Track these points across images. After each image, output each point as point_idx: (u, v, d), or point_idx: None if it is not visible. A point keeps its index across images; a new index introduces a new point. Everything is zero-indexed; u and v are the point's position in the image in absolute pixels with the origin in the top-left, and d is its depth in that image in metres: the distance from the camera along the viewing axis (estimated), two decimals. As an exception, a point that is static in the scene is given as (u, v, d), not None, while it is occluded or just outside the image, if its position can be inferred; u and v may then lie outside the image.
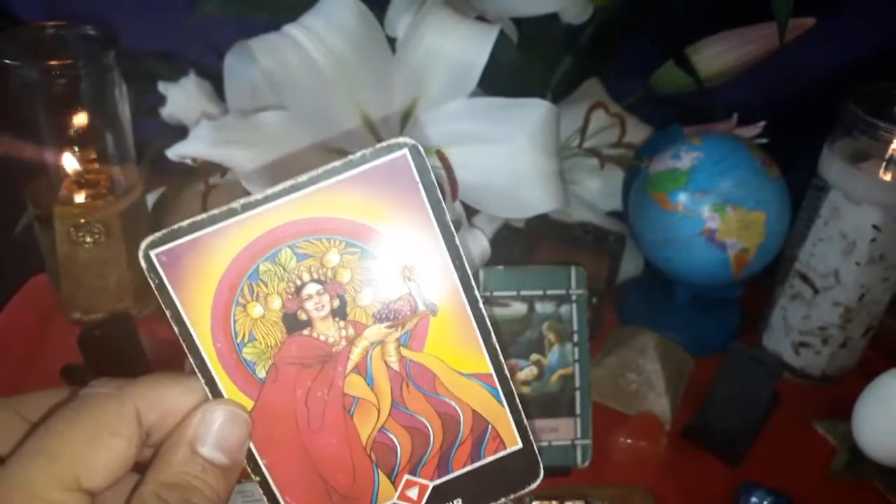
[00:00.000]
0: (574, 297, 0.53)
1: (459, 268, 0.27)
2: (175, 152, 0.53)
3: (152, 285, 0.26)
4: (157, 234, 0.25)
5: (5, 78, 0.54)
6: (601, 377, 0.59)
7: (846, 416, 0.55)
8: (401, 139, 0.26)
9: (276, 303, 0.27)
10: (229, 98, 0.59)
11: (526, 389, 0.52)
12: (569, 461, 0.53)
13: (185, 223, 0.25)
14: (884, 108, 0.55)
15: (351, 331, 0.27)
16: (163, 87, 0.61)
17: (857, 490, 0.54)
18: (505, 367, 0.28)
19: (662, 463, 0.55)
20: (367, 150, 0.26)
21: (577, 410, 0.53)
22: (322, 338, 0.27)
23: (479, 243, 0.59)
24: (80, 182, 0.59)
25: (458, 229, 0.56)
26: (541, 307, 0.52)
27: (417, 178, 0.26)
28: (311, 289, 0.27)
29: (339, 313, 0.27)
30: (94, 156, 0.59)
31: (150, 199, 0.65)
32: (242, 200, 0.25)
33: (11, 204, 0.63)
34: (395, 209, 0.26)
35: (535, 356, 0.52)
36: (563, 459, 0.52)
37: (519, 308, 0.52)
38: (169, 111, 0.61)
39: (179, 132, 0.56)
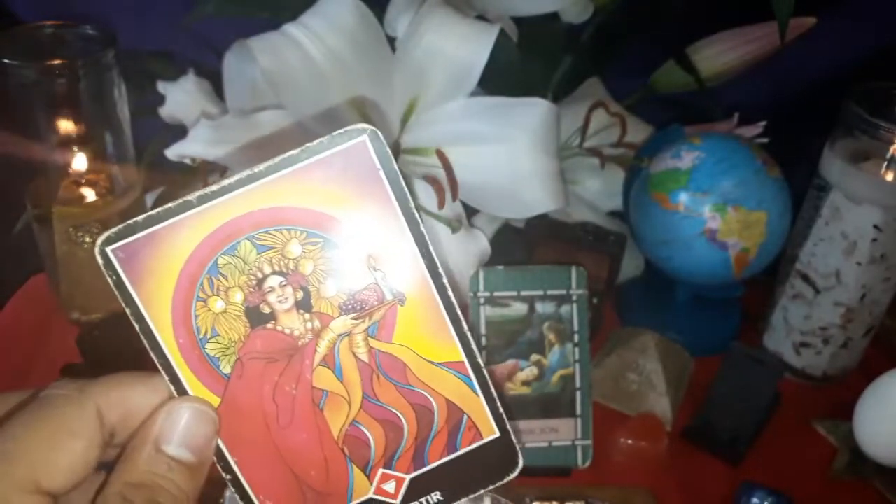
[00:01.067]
0: (574, 298, 0.52)
1: (426, 255, 0.26)
2: (174, 152, 0.53)
3: (110, 282, 0.25)
4: (113, 230, 0.25)
5: (4, 78, 0.54)
6: (602, 377, 0.59)
7: (847, 416, 0.55)
8: (359, 125, 0.25)
9: (237, 296, 0.26)
10: (229, 98, 0.59)
11: (526, 390, 0.52)
12: (569, 462, 0.52)
13: (140, 217, 0.25)
14: (885, 107, 0.55)
15: (317, 323, 0.27)
16: (162, 86, 0.61)
17: (858, 490, 0.54)
18: (478, 354, 0.27)
19: (663, 463, 0.55)
20: (324, 137, 0.25)
21: (578, 411, 0.52)
22: (287, 331, 0.27)
23: (479, 243, 0.59)
24: (79, 182, 0.59)
25: (457, 229, 0.56)
26: (541, 307, 0.52)
27: (378, 165, 0.25)
28: (273, 281, 0.26)
29: (304, 305, 0.26)
30: (93, 155, 0.59)
31: (150, 198, 0.64)
32: (198, 192, 0.25)
33: (10, 204, 0.63)
34: (357, 197, 0.25)
35: (535, 356, 0.52)
36: (564, 460, 0.52)
37: (519, 308, 0.52)
38: (168, 111, 0.61)
39: (179, 132, 0.56)
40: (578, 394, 0.52)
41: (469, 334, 0.27)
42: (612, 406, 0.59)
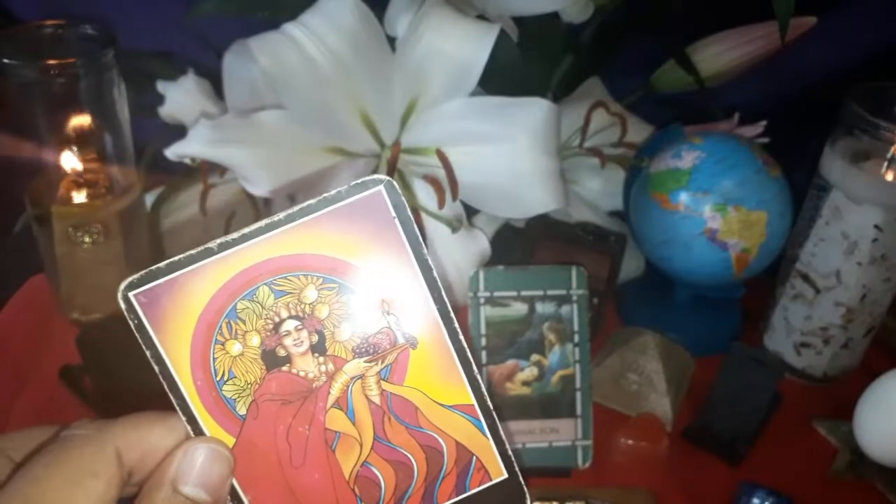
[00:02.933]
0: (575, 298, 0.52)
1: (438, 300, 0.27)
2: (174, 152, 0.53)
3: (132, 325, 0.26)
4: (136, 276, 0.26)
5: (4, 77, 0.54)
6: (602, 378, 0.59)
7: (847, 416, 0.55)
8: (376, 176, 0.26)
9: (254, 340, 0.27)
10: (228, 97, 0.59)
11: (526, 390, 0.52)
12: (570, 462, 0.52)
13: (162, 264, 0.26)
14: (885, 107, 0.55)
15: (330, 366, 0.27)
16: (162, 86, 0.61)
17: (859, 491, 0.54)
18: (487, 398, 0.28)
19: (663, 463, 0.54)
20: (342, 187, 0.26)
21: (578, 411, 0.52)
22: (302, 373, 0.27)
23: (479, 243, 0.59)
24: (78, 182, 0.59)
25: (457, 229, 0.56)
26: (541, 307, 0.52)
27: (393, 214, 0.26)
28: (290, 325, 0.27)
29: (319, 349, 0.27)
30: (92, 155, 0.59)
31: (149, 198, 0.64)
32: (219, 240, 0.26)
33: (10, 204, 0.63)
34: (372, 244, 0.27)
35: (535, 357, 0.52)
36: (564, 460, 0.52)
37: (519, 308, 0.52)
38: (168, 110, 0.61)
39: (178, 131, 0.56)
40: (579, 394, 0.52)
41: (479, 378, 0.28)
42: (613, 406, 0.59)
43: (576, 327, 0.52)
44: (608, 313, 0.67)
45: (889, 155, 0.55)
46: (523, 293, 0.52)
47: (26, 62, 0.54)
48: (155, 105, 0.61)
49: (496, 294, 0.52)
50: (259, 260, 0.26)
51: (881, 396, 0.53)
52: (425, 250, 0.27)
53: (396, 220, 0.26)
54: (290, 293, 0.27)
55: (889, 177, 0.55)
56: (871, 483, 0.54)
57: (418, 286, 0.27)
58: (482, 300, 0.52)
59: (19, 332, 0.62)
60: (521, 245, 0.64)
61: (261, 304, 0.27)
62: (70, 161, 0.59)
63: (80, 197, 0.59)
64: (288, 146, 0.54)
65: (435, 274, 0.27)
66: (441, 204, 0.55)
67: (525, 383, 0.52)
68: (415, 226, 0.27)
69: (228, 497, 0.27)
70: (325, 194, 0.26)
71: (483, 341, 0.52)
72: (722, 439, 0.56)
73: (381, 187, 0.26)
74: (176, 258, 0.26)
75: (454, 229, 0.55)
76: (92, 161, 0.59)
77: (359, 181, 0.26)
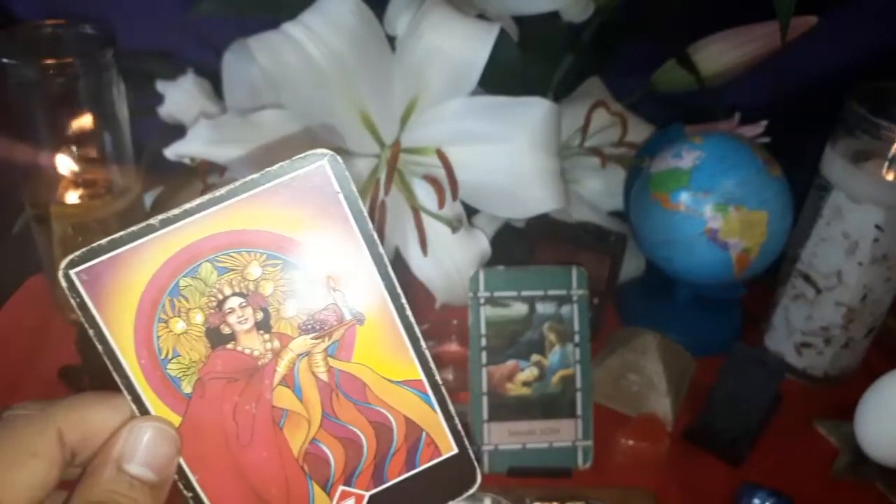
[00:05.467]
0: (575, 298, 0.52)
1: (385, 276, 0.27)
2: (173, 151, 0.53)
3: (74, 304, 0.26)
4: (77, 253, 0.25)
5: (3, 77, 0.54)
6: (602, 378, 0.59)
7: (848, 416, 0.55)
8: (318, 150, 0.26)
9: (198, 317, 0.27)
10: (228, 97, 0.59)
11: (527, 390, 0.52)
12: (570, 462, 0.52)
13: (103, 241, 0.25)
14: (886, 107, 0.55)
15: (276, 343, 0.27)
16: (161, 86, 0.61)
17: (860, 491, 0.54)
18: (436, 373, 0.28)
19: (664, 464, 0.54)
20: (284, 161, 0.26)
21: (579, 411, 0.52)
22: (247, 351, 0.27)
23: (479, 243, 0.59)
24: (77, 182, 0.59)
25: (457, 229, 0.56)
26: (542, 308, 0.52)
27: (337, 188, 0.26)
28: (234, 302, 0.27)
29: (264, 326, 0.27)
30: (91, 155, 0.59)
31: (148, 198, 0.64)
32: (160, 216, 0.25)
33: (9, 204, 0.63)
34: (316, 220, 0.26)
35: (536, 357, 0.52)
36: (565, 461, 0.52)
37: (520, 308, 0.52)
38: (167, 110, 0.61)
39: (178, 131, 0.56)
40: (579, 394, 0.52)
41: (427, 353, 0.28)
42: (613, 407, 0.59)
43: (576, 327, 0.52)
44: (609, 313, 0.67)
45: (890, 155, 0.55)
46: (524, 293, 0.52)
47: (25, 62, 0.54)
48: (154, 105, 0.61)
49: (496, 294, 0.52)
50: (201, 236, 0.26)
51: (882, 397, 0.53)
52: (370, 225, 0.27)
53: (341, 195, 0.26)
54: (234, 270, 0.26)
55: (890, 177, 0.55)
56: (871, 483, 0.54)
57: (364, 261, 0.27)
58: (482, 300, 0.52)
59: (18, 331, 0.62)
60: (521, 245, 0.63)
61: (203, 282, 0.26)
62: (69, 161, 0.59)
63: (78, 197, 0.59)
64: (287, 146, 0.54)
65: (381, 249, 0.27)
66: (441, 204, 0.54)
67: (525, 383, 0.52)
68: (360, 201, 0.26)
69: (175, 476, 0.27)
70: (268, 169, 0.26)
71: (483, 341, 0.52)
72: (722, 439, 0.56)
73: (325, 161, 0.26)
74: (117, 235, 0.25)
75: (454, 229, 0.55)
76: (91, 161, 0.59)
77: (301, 155, 0.26)
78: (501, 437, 0.52)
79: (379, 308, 0.27)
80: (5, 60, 0.53)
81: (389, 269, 0.27)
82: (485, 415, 0.52)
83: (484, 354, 0.52)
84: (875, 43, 0.73)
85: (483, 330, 0.52)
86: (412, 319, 0.27)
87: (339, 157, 0.26)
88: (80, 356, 0.56)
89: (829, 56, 0.72)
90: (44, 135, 0.58)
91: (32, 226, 0.60)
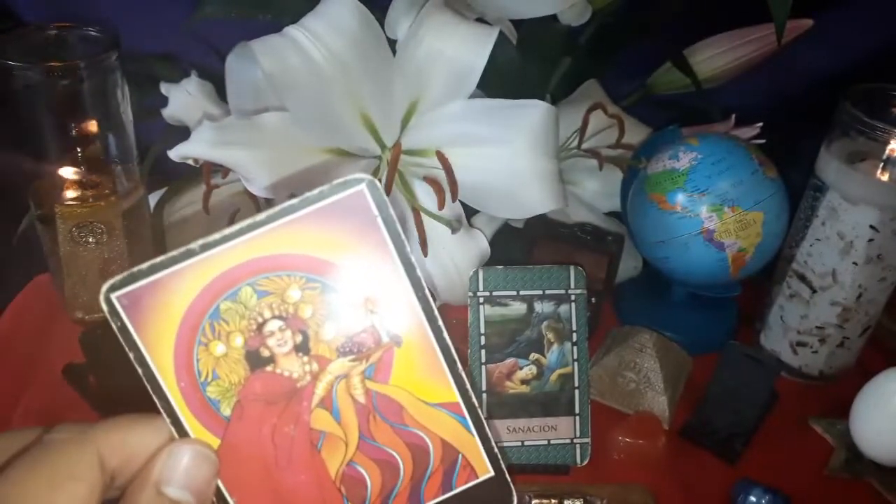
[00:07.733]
0: (573, 297, 0.53)
1: (422, 298, 0.27)
2: (177, 153, 0.53)
3: (114, 328, 0.26)
4: (118, 278, 0.25)
5: (8, 79, 0.55)
6: (600, 376, 0.59)
7: (844, 415, 0.55)
8: (358, 175, 0.26)
9: (237, 340, 0.27)
10: (231, 99, 0.59)
11: (525, 388, 0.53)
12: (568, 460, 0.53)
13: (144, 265, 0.25)
14: (881, 108, 0.56)
15: (315, 365, 0.27)
16: (165, 88, 0.62)
17: (855, 489, 0.55)
18: (472, 395, 0.28)
19: (661, 461, 0.55)
20: (324, 186, 0.26)
21: (577, 409, 0.53)
22: (286, 374, 0.27)
23: (478, 243, 0.59)
24: (82, 183, 0.60)
25: (457, 230, 0.56)
26: (540, 307, 0.53)
27: (376, 212, 0.26)
28: (273, 325, 0.27)
29: (302, 348, 0.27)
30: (96, 156, 0.59)
31: (152, 199, 0.65)
32: (201, 241, 0.26)
33: (14, 204, 0.63)
34: (355, 243, 0.26)
35: (534, 355, 0.53)
36: (563, 458, 0.53)
37: (518, 308, 0.53)
38: (171, 112, 0.62)
39: (181, 133, 0.57)
40: (577, 392, 0.53)
41: (464, 375, 0.28)
42: (611, 404, 0.59)
43: (574, 326, 0.53)
44: (606, 312, 0.67)
45: (884, 156, 0.55)
46: (522, 293, 0.53)
47: (30, 64, 0.54)
48: (158, 107, 0.62)
49: (495, 293, 0.52)
50: (241, 260, 0.26)
51: (877, 395, 0.53)
52: (408, 249, 0.27)
53: (379, 219, 0.26)
54: (273, 293, 0.26)
55: (884, 177, 0.55)
56: (867, 481, 0.55)
57: (402, 284, 0.27)
58: (481, 299, 0.52)
59: (23, 331, 0.63)
60: (519, 245, 0.64)
61: (244, 305, 0.26)
62: (73, 162, 0.59)
63: (83, 197, 0.60)
64: (290, 148, 0.54)
65: (419, 272, 0.27)
66: (441, 205, 0.55)
67: (524, 382, 0.53)
68: (398, 224, 0.26)
69: (214, 499, 0.27)
70: (307, 194, 0.26)
71: (482, 340, 0.53)
72: (719, 437, 0.57)
73: (364, 186, 0.26)
74: (158, 259, 0.25)
75: (454, 230, 0.56)
76: (95, 162, 0.60)
77: (341, 180, 0.26)
78: (500, 435, 0.53)
79: (416, 331, 0.27)
80: (11, 63, 0.54)
81: (427, 291, 0.27)
82: (484, 412, 0.53)
83: (483, 353, 0.53)
84: (870, 45, 0.73)
85: (482, 329, 0.52)
86: (449, 342, 0.27)
87: (377, 182, 0.26)
88: (83, 355, 0.56)
89: (824, 58, 0.73)
90: (49, 136, 0.58)
91: (37, 226, 0.61)
